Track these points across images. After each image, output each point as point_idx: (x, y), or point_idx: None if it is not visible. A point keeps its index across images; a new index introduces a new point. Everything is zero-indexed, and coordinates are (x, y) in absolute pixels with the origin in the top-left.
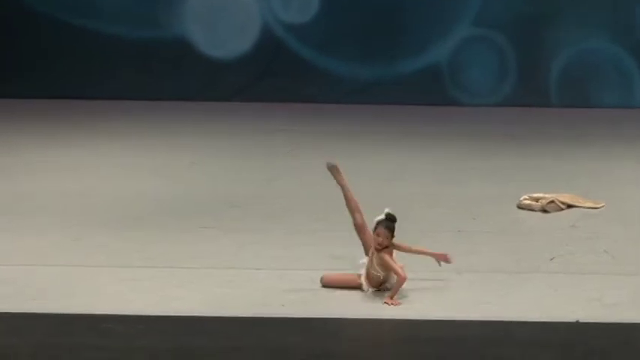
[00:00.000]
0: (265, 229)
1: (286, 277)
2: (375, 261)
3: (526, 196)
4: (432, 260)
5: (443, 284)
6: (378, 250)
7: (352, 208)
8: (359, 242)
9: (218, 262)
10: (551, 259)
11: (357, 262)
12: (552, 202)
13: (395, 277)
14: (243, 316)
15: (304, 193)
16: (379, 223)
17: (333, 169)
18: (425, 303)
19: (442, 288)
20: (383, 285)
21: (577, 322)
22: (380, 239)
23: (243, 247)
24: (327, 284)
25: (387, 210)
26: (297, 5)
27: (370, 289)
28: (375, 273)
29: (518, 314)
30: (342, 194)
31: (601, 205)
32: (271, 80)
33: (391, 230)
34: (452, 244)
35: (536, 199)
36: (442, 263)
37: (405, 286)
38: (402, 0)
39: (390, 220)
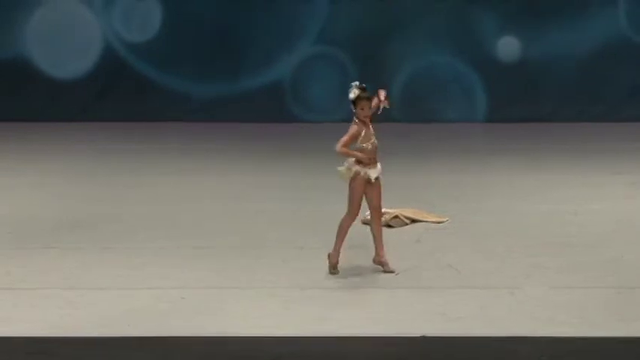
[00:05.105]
0: (110, 249)
1: (131, 296)
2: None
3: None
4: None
5: (283, 301)
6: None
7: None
8: (209, 261)
9: (61, 282)
10: (396, 274)
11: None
12: (396, 216)
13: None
14: (88, 336)
15: (149, 211)
16: (358, 99)
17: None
18: (266, 320)
19: (281, 305)
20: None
21: (423, 336)
22: (367, 110)
23: (87, 267)
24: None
25: (355, 84)
26: (138, 24)
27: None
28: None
29: (361, 330)
30: None
31: (445, 220)
32: (114, 99)
33: (369, 98)
34: (291, 259)
35: None
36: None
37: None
38: (244, 17)
39: (364, 90)
